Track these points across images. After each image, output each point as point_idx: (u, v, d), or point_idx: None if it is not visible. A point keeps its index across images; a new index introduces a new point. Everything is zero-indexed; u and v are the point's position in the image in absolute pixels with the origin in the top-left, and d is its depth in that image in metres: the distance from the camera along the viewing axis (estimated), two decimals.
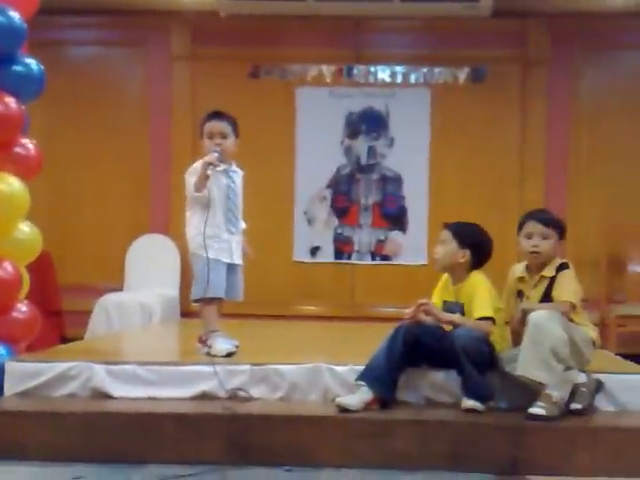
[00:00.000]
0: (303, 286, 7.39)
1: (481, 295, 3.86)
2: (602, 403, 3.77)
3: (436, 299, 4.06)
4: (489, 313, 3.81)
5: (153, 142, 7.53)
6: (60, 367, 3.89)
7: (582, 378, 3.69)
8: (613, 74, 7.35)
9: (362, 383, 3.72)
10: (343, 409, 3.63)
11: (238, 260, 4.42)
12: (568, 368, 3.63)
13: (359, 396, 3.68)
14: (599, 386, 3.75)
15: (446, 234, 3.99)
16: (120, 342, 5.52)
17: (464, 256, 3.93)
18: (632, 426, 3.54)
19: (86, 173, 7.49)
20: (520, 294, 3.94)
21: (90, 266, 7.39)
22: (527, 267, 3.95)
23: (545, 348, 3.53)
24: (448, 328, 3.89)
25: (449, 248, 3.96)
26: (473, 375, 3.67)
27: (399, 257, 7.44)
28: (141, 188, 7.51)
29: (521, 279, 3.96)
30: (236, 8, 7.09)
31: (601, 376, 3.77)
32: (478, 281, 3.91)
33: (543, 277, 3.86)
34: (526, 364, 3.58)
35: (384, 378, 3.73)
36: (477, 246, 3.95)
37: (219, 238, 4.32)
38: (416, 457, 3.49)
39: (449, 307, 3.97)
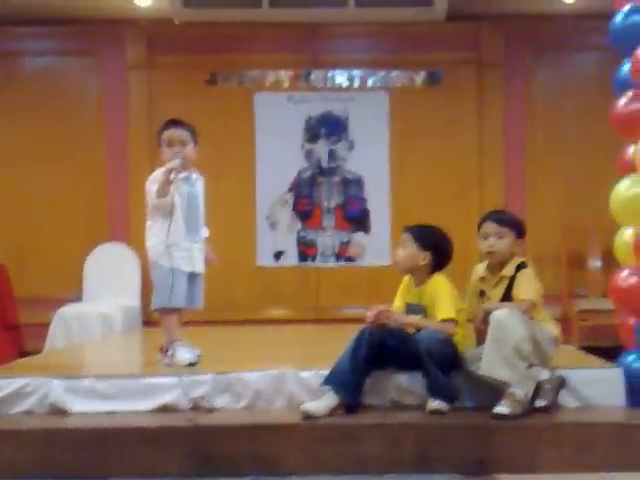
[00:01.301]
0: (268, 291, 7.36)
1: (443, 297, 3.86)
2: (566, 399, 3.77)
3: (398, 301, 4.06)
4: (452, 315, 3.81)
5: (110, 151, 7.46)
6: (16, 383, 3.81)
7: (545, 375, 3.70)
8: (565, 75, 7.46)
9: (328, 387, 3.69)
10: (308, 416, 3.60)
11: (199, 268, 4.38)
12: (531, 365, 3.65)
13: (324, 402, 3.65)
14: (562, 382, 3.75)
15: (406, 237, 3.99)
16: (79, 355, 5.43)
17: (425, 258, 3.93)
18: (596, 421, 3.55)
19: (42, 184, 7.40)
20: (482, 294, 3.95)
21: (47, 277, 7.27)
22: (488, 267, 3.96)
23: (508, 347, 3.54)
24: (411, 330, 3.88)
25: (410, 251, 3.95)
26: (438, 376, 3.67)
27: (363, 258, 7.45)
28: (98, 197, 7.43)
29: (482, 279, 3.98)
30: (191, 16, 7.03)
31: (564, 371, 3.78)
32: (440, 283, 3.91)
33: (503, 277, 3.88)
34: (489, 363, 3.58)
35: (349, 382, 3.70)
36: (437, 248, 3.95)
37: (180, 246, 4.27)
38: (383, 461, 3.47)
39: (412, 309, 3.97)
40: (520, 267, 3.85)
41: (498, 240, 3.89)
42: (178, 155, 4.24)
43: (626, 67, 4.12)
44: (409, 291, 4.03)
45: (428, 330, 3.77)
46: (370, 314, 3.83)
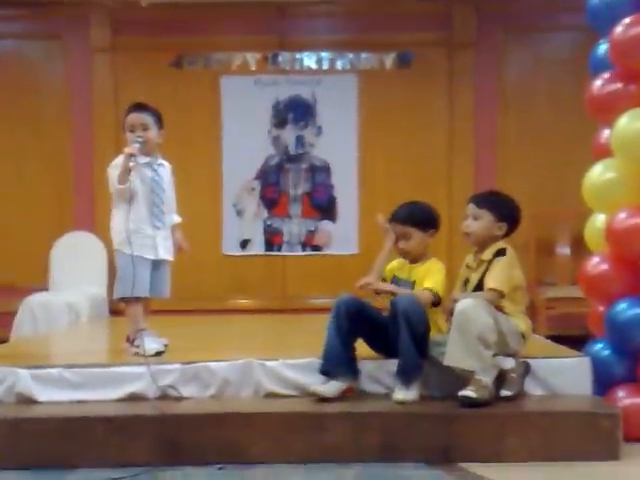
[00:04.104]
0: (234, 280, 7.34)
1: (434, 272, 3.86)
2: (532, 387, 3.79)
3: (387, 272, 4.03)
4: (436, 288, 3.79)
5: (75, 137, 7.38)
6: None
7: (510, 363, 3.70)
8: (538, 56, 7.37)
9: (329, 372, 3.72)
10: (320, 398, 3.64)
11: (164, 255, 4.35)
12: (495, 355, 3.63)
13: (335, 384, 3.68)
14: (527, 368, 3.76)
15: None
16: (46, 344, 5.39)
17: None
18: (562, 410, 3.56)
19: (5, 170, 7.33)
20: (466, 282, 3.91)
21: (13, 266, 7.21)
22: (475, 253, 3.93)
23: (472, 336, 3.54)
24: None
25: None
26: (409, 347, 3.61)
27: (330, 247, 7.42)
28: (64, 184, 7.37)
29: (468, 266, 3.94)
30: None
31: (531, 361, 3.79)
32: (434, 263, 3.92)
33: (482, 261, 3.83)
34: (454, 353, 3.58)
35: (346, 360, 3.73)
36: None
37: (143, 233, 4.24)
38: (348, 449, 3.49)
39: (400, 283, 3.95)
40: (498, 254, 3.79)
41: (473, 221, 3.86)
42: (138, 140, 4.21)
43: (603, 47, 4.05)
44: (402, 269, 4.00)
45: (405, 295, 3.76)
46: (358, 284, 3.85)
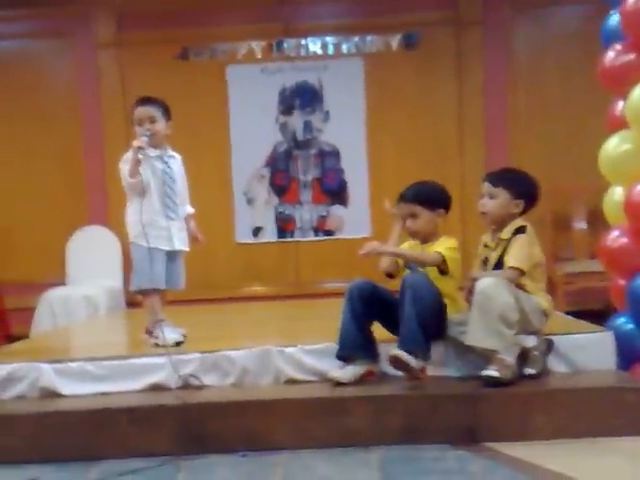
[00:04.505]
0: (247, 267, 7.36)
1: (445, 242, 3.82)
2: (555, 364, 3.76)
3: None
4: (445, 253, 3.74)
5: (85, 132, 7.42)
6: (7, 369, 3.83)
7: (532, 341, 3.67)
8: (546, 31, 7.32)
9: (346, 357, 3.71)
10: (337, 383, 3.64)
11: (180, 246, 4.35)
12: (517, 333, 3.60)
13: (351, 369, 3.68)
14: (550, 346, 3.73)
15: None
16: (66, 338, 5.43)
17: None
18: (587, 386, 3.52)
19: (18, 168, 7.39)
20: (486, 261, 3.87)
21: (30, 262, 7.31)
22: (492, 232, 3.88)
23: (493, 315, 3.50)
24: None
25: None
26: (412, 326, 3.55)
27: (342, 232, 7.43)
28: (76, 180, 7.41)
29: (486, 245, 3.90)
30: None
31: (553, 337, 3.76)
32: (445, 239, 3.87)
33: (501, 239, 3.78)
34: (475, 333, 3.54)
35: (363, 343, 3.71)
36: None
37: (157, 225, 4.24)
38: (371, 433, 3.47)
39: (412, 266, 3.89)
40: (517, 232, 3.74)
41: (489, 200, 3.81)
42: (146, 133, 4.21)
43: (614, 18, 4.00)
44: (413, 248, 3.96)
45: (415, 272, 3.74)
46: (363, 251, 3.76)
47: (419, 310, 3.56)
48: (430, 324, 3.62)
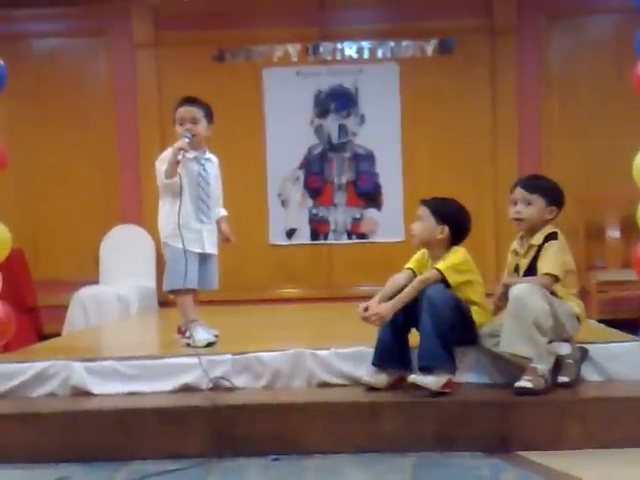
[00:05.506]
0: (281, 269, 7.37)
1: (449, 256, 3.78)
2: (589, 374, 3.73)
3: (411, 264, 3.95)
4: (443, 267, 3.70)
5: (120, 132, 7.46)
6: (38, 366, 3.84)
7: (566, 349, 3.64)
8: (580, 39, 7.32)
9: (381, 365, 3.71)
10: (370, 388, 3.65)
11: (211, 249, 4.35)
12: (551, 341, 3.58)
13: (385, 375, 3.67)
14: (584, 355, 3.71)
15: (423, 210, 3.88)
16: (98, 337, 5.46)
17: (442, 232, 3.83)
18: (621, 396, 3.50)
19: (53, 167, 7.44)
20: (517, 268, 3.83)
21: (64, 260, 7.36)
22: (521, 238, 3.86)
23: (527, 322, 3.47)
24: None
25: (427, 224, 3.85)
26: (429, 333, 3.53)
27: (376, 235, 7.42)
28: (111, 179, 7.46)
29: (515, 252, 3.87)
30: None
31: (586, 346, 3.73)
32: (452, 251, 3.82)
33: (532, 246, 3.75)
34: (509, 339, 3.51)
35: (398, 351, 3.70)
36: (455, 222, 3.84)
37: (189, 227, 4.23)
38: (404, 439, 3.44)
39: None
40: (549, 238, 3.70)
41: (525, 207, 3.76)
42: (186, 133, 4.20)
43: None
44: (425, 264, 3.94)
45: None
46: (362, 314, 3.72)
47: (436, 323, 3.56)
48: (451, 335, 3.61)
